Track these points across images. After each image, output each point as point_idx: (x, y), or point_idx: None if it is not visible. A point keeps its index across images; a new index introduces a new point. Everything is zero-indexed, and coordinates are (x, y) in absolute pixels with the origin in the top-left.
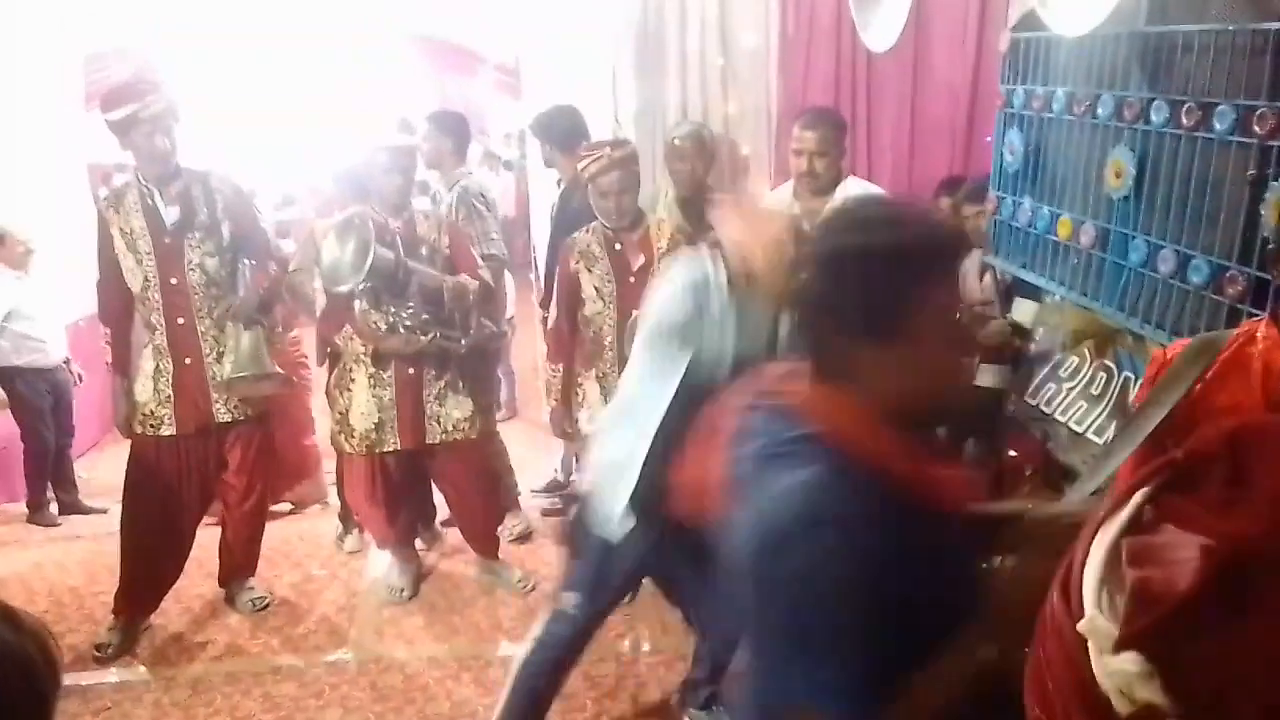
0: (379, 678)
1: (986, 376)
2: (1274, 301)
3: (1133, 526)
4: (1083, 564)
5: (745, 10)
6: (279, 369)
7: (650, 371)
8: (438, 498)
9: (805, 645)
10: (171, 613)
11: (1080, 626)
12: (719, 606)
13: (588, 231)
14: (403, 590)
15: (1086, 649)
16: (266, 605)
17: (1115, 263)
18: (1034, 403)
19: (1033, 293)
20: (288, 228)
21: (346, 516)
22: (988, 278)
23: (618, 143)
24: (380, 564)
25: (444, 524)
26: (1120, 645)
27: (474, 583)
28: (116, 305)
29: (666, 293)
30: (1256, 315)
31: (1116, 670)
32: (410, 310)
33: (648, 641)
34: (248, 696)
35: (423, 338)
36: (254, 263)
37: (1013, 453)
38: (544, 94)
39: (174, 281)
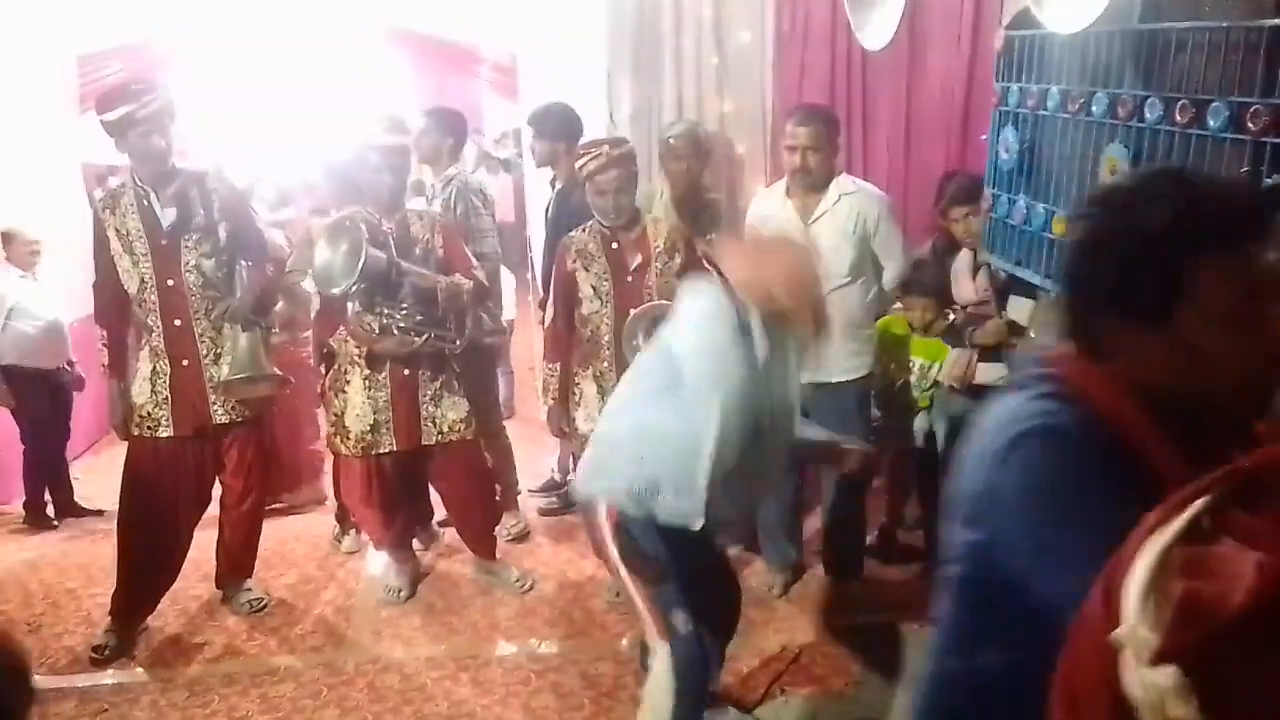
0: (376, 678)
1: (985, 374)
2: None
3: (1188, 535)
4: (1129, 568)
5: (740, 9)
6: (276, 370)
7: (708, 371)
8: (435, 498)
9: (1044, 543)
10: (168, 614)
11: (1118, 634)
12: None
13: (584, 230)
14: (400, 591)
15: (1120, 657)
16: (264, 606)
17: None
18: None
19: (1029, 291)
20: (284, 227)
21: (344, 517)
22: (982, 276)
23: (616, 141)
24: (377, 564)
25: (441, 524)
26: (1159, 658)
27: (471, 583)
28: (113, 306)
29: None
30: None
31: (1152, 684)
32: (404, 312)
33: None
34: (245, 697)
35: (417, 339)
36: (251, 264)
37: None
38: (540, 93)
39: (171, 283)
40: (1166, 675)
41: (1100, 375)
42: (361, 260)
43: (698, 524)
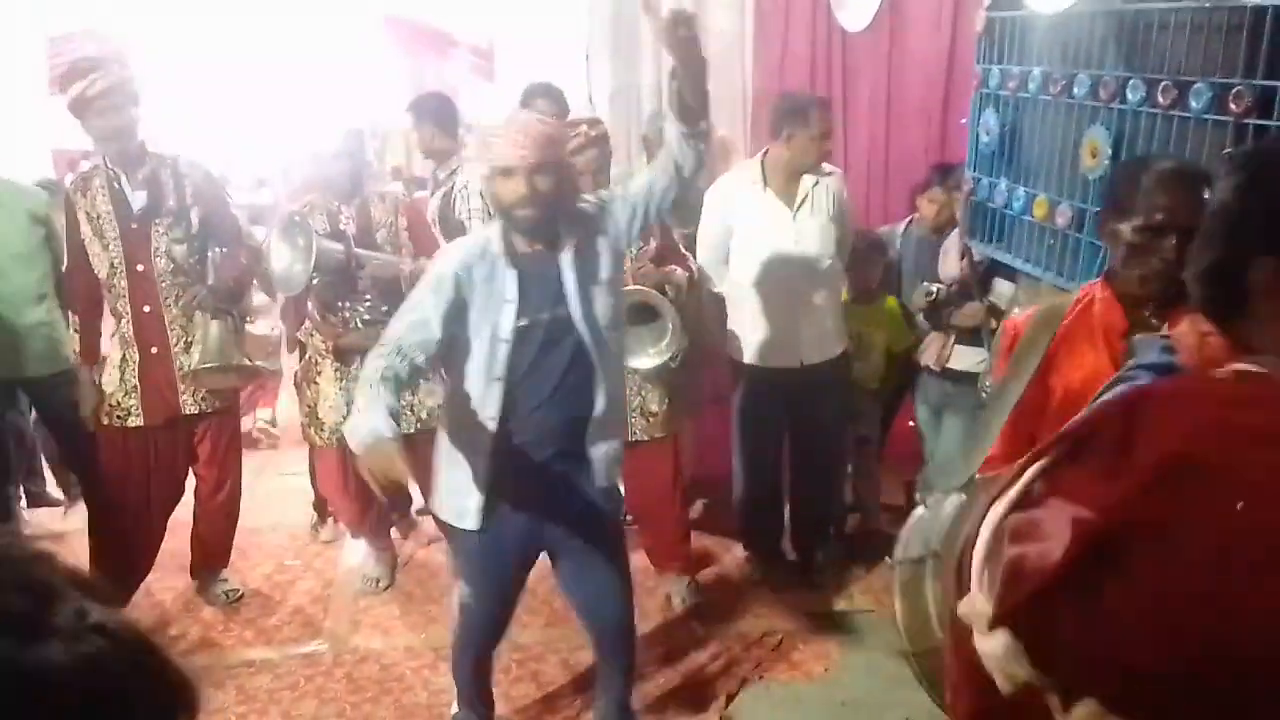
0: (355, 668)
1: (963, 358)
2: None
3: (1022, 501)
4: (974, 540)
5: None
6: (248, 360)
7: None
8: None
9: None
10: (143, 606)
11: (959, 608)
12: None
13: None
14: (378, 580)
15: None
16: (240, 597)
17: (1092, 243)
18: None
19: (1012, 274)
20: (260, 212)
21: (321, 507)
22: (964, 259)
23: (592, 120)
24: (355, 554)
25: (419, 513)
26: (992, 624)
27: (450, 572)
28: (84, 292)
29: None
30: None
31: (988, 651)
32: (367, 304)
33: None
34: (221, 690)
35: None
36: (225, 251)
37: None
38: (518, 76)
39: (140, 268)
40: (999, 639)
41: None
42: (313, 255)
43: (463, 522)
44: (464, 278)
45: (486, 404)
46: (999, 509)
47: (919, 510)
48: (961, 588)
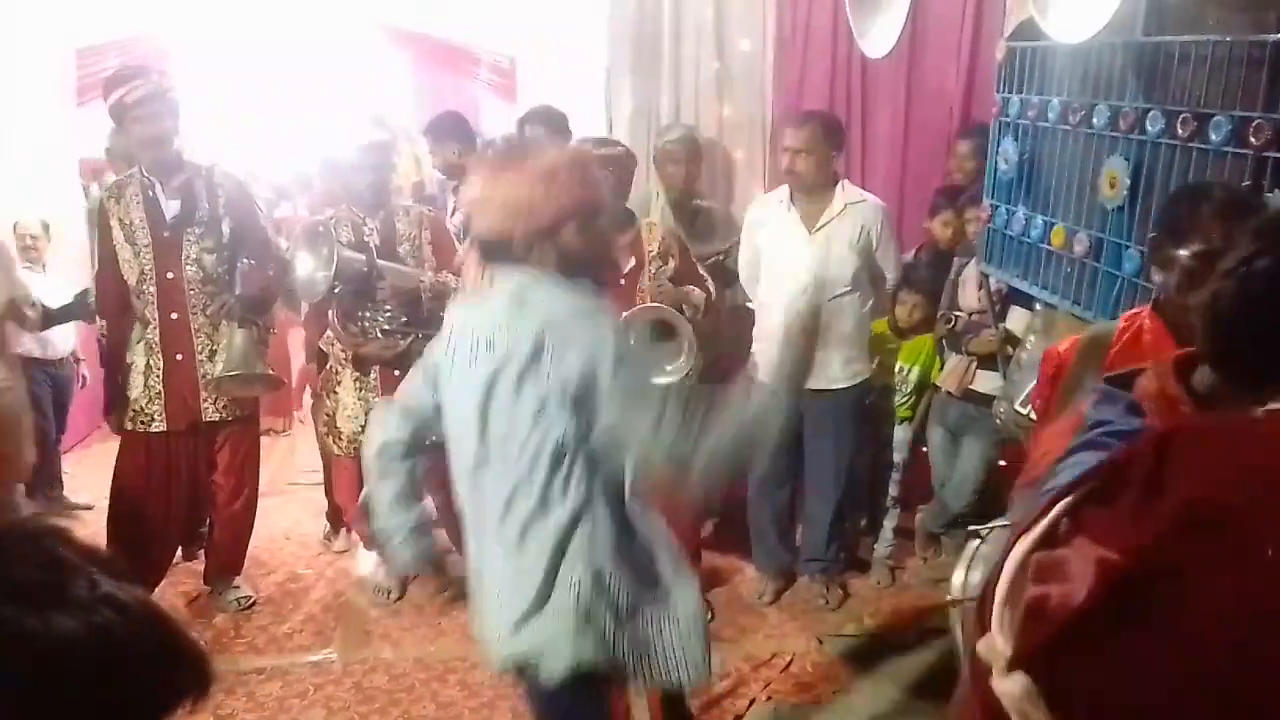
0: (364, 678)
1: (983, 382)
2: (1158, 292)
3: (1047, 539)
4: (998, 577)
5: (741, 14)
6: (270, 371)
7: None
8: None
9: None
10: None
11: (979, 645)
12: None
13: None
14: (389, 591)
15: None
16: (252, 604)
17: (1109, 272)
18: (1024, 411)
19: (1028, 302)
20: (280, 225)
21: (335, 516)
22: (981, 288)
23: (600, 141)
24: (367, 564)
25: (432, 525)
26: (1010, 665)
27: (461, 585)
28: (113, 298)
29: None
30: None
31: (1006, 692)
32: (387, 314)
33: None
34: (231, 695)
35: (403, 341)
36: (253, 261)
37: (1002, 462)
38: (538, 96)
39: (170, 276)
40: (1016, 682)
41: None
42: (334, 264)
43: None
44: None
45: None
46: (1023, 546)
47: (975, 544)
48: (983, 625)
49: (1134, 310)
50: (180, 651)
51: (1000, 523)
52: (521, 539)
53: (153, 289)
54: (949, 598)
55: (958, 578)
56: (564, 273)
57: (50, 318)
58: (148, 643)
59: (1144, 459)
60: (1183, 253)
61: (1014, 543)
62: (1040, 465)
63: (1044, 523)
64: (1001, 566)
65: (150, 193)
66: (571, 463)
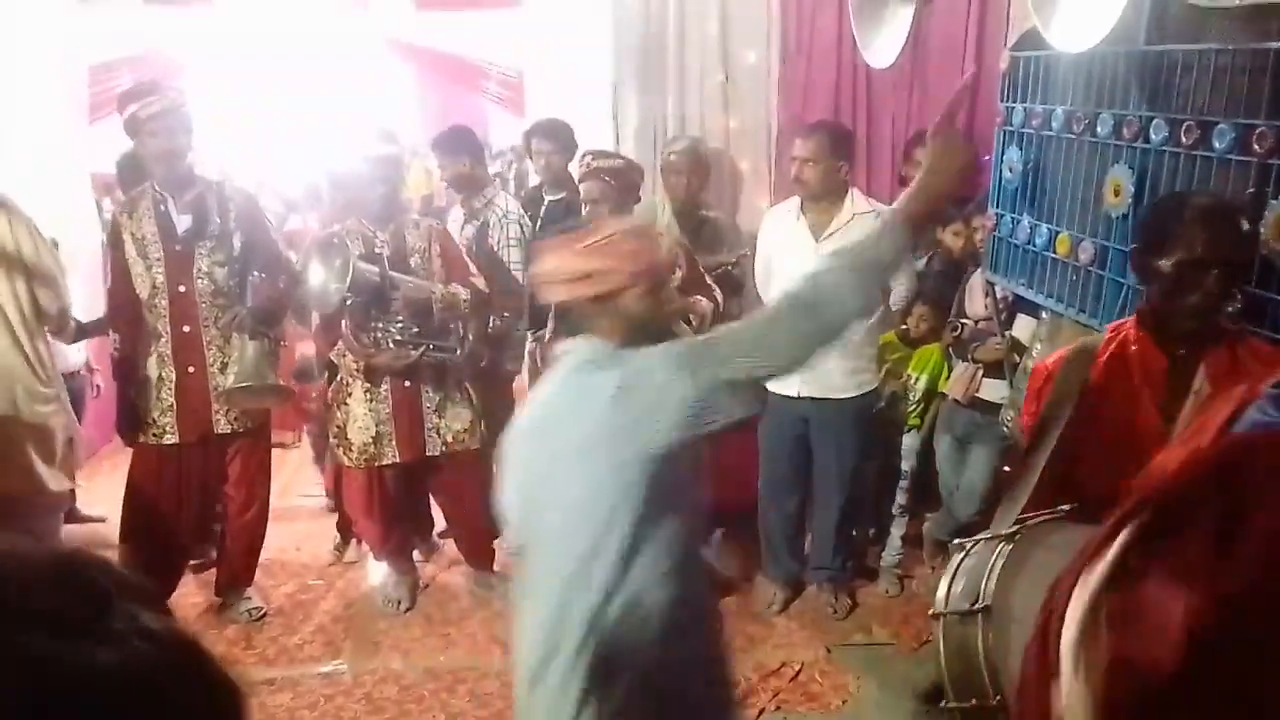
0: (374, 689)
1: (989, 390)
2: (1142, 302)
3: (1116, 577)
4: (1063, 615)
5: (746, 26)
6: (281, 382)
7: None
8: (435, 509)
9: None
10: None
11: (1061, 698)
12: None
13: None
14: (399, 602)
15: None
16: (263, 615)
17: (1114, 280)
18: None
19: (1034, 310)
20: (290, 238)
21: (345, 527)
22: (988, 296)
23: (601, 153)
24: (377, 575)
25: (441, 535)
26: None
27: (470, 595)
28: (126, 311)
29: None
30: (1255, 333)
31: None
32: (399, 325)
33: None
34: None
35: (414, 352)
36: (264, 275)
37: (1007, 469)
38: (545, 109)
39: (182, 289)
40: None
41: None
42: (349, 275)
43: None
44: None
45: None
46: (1093, 584)
47: (958, 557)
48: (1047, 662)
49: (1119, 321)
50: (216, 686)
51: (985, 535)
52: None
53: (165, 302)
54: (930, 611)
55: (941, 591)
56: (628, 339)
57: (82, 330)
58: (183, 678)
59: (1212, 482)
60: (1164, 262)
61: (1078, 574)
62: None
63: (1111, 554)
64: (1064, 604)
65: (162, 207)
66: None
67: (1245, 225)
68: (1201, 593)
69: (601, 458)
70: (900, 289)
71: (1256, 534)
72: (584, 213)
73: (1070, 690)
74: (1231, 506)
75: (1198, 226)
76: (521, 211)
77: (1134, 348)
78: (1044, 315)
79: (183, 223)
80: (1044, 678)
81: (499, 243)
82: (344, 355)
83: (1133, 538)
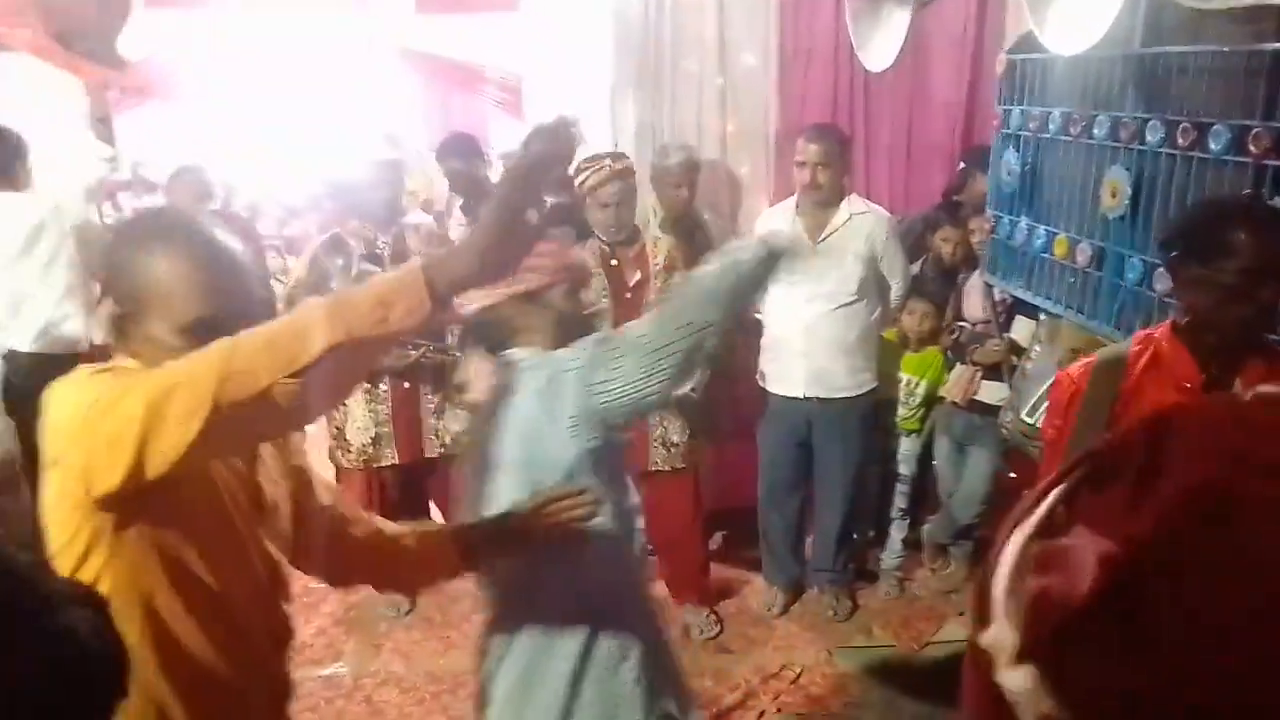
0: (375, 691)
1: (988, 393)
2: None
3: (1045, 528)
4: (996, 565)
5: (745, 30)
6: None
7: None
8: (435, 511)
9: None
10: None
11: (983, 640)
12: None
13: (583, 247)
14: (401, 604)
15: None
16: None
17: (1112, 281)
18: (1030, 421)
19: (1032, 311)
20: (291, 243)
21: None
22: (986, 295)
23: (616, 155)
24: None
25: None
26: (1018, 658)
27: (472, 597)
28: None
29: None
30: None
31: (1013, 685)
32: None
33: None
34: None
35: (413, 352)
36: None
37: (1012, 475)
38: (544, 113)
39: None
40: (1025, 675)
41: None
42: (352, 275)
43: None
44: None
45: None
46: (1021, 535)
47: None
48: (982, 618)
49: (1145, 332)
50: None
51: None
52: None
53: None
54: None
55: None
56: (554, 341)
57: None
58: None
59: (1138, 444)
60: (1222, 270)
61: (1011, 530)
62: None
63: (1040, 510)
64: (997, 557)
65: None
66: None
67: None
68: (1115, 534)
69: (540, 450)
70: (898, 289)
71: (1166, 486)
72: (605, 216)
73: (999, 630)
74: (1153, 464)
75: (1264, 234)
76: None
77: (1168, 360)
78: (1042, 317)
79: None
80: (979, 629)
81: None
82: None
83: (1061, 494)
